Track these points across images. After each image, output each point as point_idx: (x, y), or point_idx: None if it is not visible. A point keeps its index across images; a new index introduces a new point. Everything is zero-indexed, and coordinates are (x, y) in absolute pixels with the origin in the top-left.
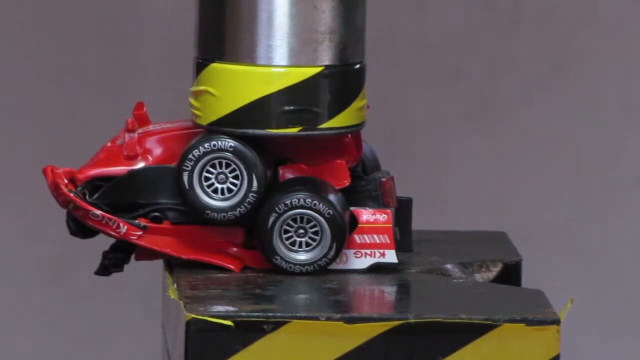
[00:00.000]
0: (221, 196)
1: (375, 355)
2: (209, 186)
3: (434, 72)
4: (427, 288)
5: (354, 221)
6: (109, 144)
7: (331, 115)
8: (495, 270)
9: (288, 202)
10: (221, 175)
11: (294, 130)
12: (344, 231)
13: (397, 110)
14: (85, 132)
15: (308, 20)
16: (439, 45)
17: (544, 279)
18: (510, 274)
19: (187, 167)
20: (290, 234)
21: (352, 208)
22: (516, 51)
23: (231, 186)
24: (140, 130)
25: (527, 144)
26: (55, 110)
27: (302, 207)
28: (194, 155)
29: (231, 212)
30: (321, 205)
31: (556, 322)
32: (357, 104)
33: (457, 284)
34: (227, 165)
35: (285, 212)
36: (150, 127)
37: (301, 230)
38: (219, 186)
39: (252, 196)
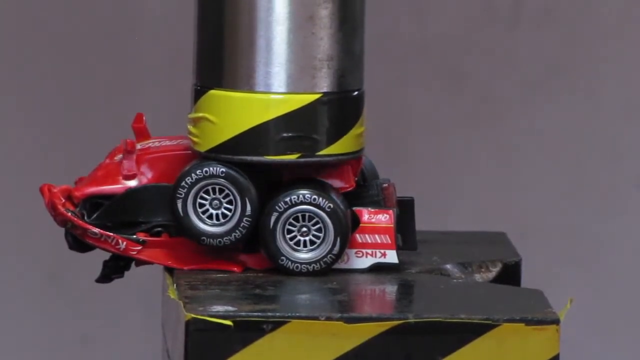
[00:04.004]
0: (216, 222)
1: (375, 355)
2: (203, 212)
3: (434, 72)
4: (427, 288)
5: (356, 220)
6: (107, 160)
7: (330, 142)
8: (494, 270)
9: (288, 199)
10: (215, 201)
11: (292, 157)
12: (346, 225)
13: (397, 110)
14: (85, 135)
15: (306, 47)
16: (439, 45)
17: (543, 279)
18: (510, 274)
19: (181, 194)
20: (293, 234)
21: (354, 208)
22: (516, 51)
23: (226, 211)
24: (139, 146)
25: (527, 144)
26: (55, 112)
27: (302, 203)
28: (186, 183)
29: (227, 237)
30: (321, 199)
31: (556, 321)
32: (355, 130)
33: (457, 284)
34: (221, 191)
35: (286, 210)
36: (149, 144)
37: (304, 229)
38: (214, 212)
39: (246, 220)
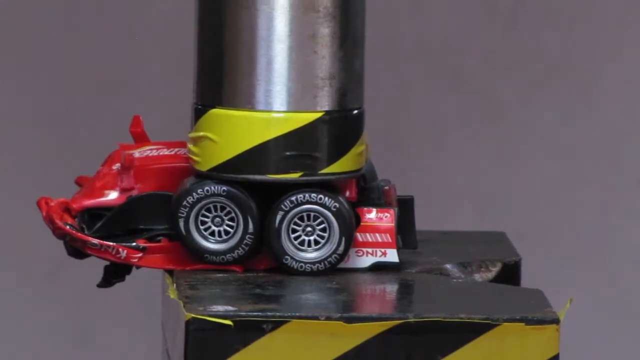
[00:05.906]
0: (219, 238)
1: (375, 355)
2: (205, 229)
3: (433, 72)
4: (427, 288)
5: (357, 220)
6: (105, 168)
7: (331, 161)
8: (494, 270)
9: (294, 198)
10: (217, 219)
11: (294, 176)
12: (351, 225)
13: (397, 110)
14: (85, 133)
15: (308, 65)
16: (439, 45)
17: (543, 279)
18: (510, 274)
19: (183, 214)
20: (298, 234)
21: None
22: (516, 51)
23: (228, 228)
24: (137, 154)
25: (527, 144)
26: (53, 113)
27: (307, 202)
28: (188, 202)
29: (230, 255)
30: (327, 199)
31: (555, 321)
32: (356, 149)
33: (457, 284)
34: (222, 209)
35: (291, 209)
36: (147, 152)
37: (309, 229)
38: (216, 229)
39: (248, 238)
